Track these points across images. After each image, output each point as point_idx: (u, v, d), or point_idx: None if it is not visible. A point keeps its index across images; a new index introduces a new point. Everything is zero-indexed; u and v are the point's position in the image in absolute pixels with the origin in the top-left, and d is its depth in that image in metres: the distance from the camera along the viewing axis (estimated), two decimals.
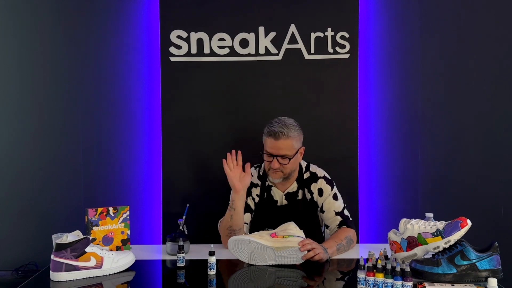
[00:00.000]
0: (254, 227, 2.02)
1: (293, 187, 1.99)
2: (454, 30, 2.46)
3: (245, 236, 1.67)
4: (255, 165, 2.07)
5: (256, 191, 2.01)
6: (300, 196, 1.99)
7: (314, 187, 1.98)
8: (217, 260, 1.59)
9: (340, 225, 1.92)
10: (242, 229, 1.89)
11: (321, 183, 1.97)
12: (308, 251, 1.62)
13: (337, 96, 2.39)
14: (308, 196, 1.98)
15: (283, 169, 1.89)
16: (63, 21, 2.50)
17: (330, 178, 2.01)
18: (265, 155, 1.92)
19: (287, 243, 1.63)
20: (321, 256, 1.63)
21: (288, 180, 1.97)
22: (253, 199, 2.00)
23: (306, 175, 2.00)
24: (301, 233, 1.71)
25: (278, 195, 2.00)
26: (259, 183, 2.02)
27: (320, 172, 2.02)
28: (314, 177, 1.99)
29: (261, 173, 2.04)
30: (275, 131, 1.86)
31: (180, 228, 1.84)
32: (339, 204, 1.96)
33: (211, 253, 1.55)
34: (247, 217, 1.98)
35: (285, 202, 1.99)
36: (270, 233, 1.67)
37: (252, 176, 2.01)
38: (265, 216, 2.00)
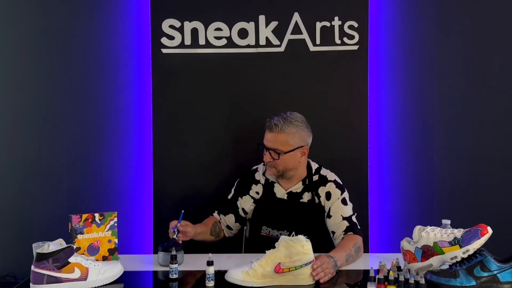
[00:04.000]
0: (254, 223, 2.08)
1: (298, 187, 2.03)
2: (474, 20, 2.45)
3: (245, 280, 1.56)
4: (262, 162, 2.10)
5: (256, 188, 2.08)
6: (305, 199, 2.01)
7: (322, 191, 2.00)
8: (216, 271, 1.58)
9: (347, 231, 1.93)
10: (220, 236, 2.11)
11: (330, 187, 2.00)
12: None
13: (345, 92, 2.39)
14: (316, 200, 2.00)
15: (275, 165, 1.95)
16: (42, 8, 2.47)
17: (341, 183, 2.04)
18: (262, 148, 2.00)
19: (296, 280, 1.56)
20: (331, 276, 1.62)
21: (286, 179, 2.01)
22: (252, 197, 2.08)
23: (315, 178, 2.04)
24: (310, 252, 1.58)
25: (280, 193, 2.05)
26: (262, 180, 2.08)
27: (331, 176, 2.05)
28: (323, 181, 2.02)
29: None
30: (271, 123, 1.96)
31: (174, 236, 1.84)
32: (348, 210, 1.98)
33: (209, 263, 1.54)
34: (230, 218, 2.09)
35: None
36: (274, 265, 1.56)
37: (258, 171, 2.12)
38: (266, 212, 2.06)
